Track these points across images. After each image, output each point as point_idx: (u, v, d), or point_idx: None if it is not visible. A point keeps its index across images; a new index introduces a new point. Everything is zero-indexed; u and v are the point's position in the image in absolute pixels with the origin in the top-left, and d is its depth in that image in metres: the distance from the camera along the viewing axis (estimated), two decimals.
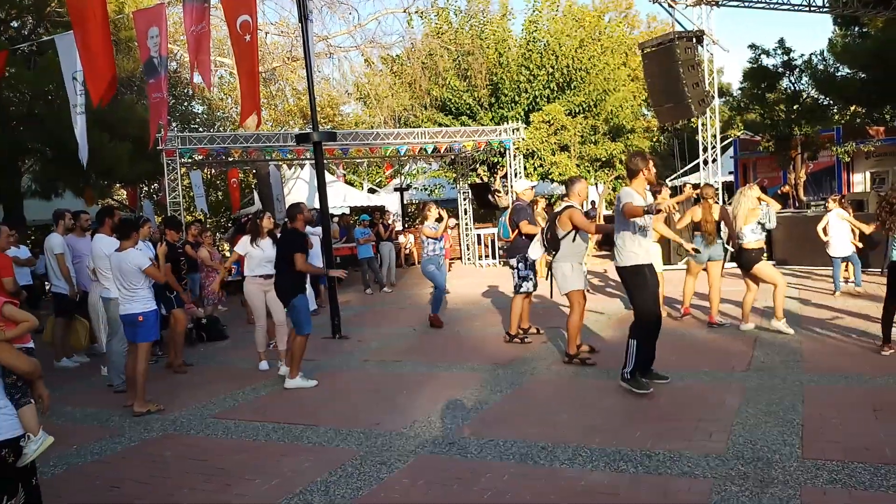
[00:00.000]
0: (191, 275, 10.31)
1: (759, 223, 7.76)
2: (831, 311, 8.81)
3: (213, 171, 23.42)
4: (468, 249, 20.02)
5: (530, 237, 7.71)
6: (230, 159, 15.55)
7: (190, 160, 14.94)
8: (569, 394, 6.05)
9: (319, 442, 5.14)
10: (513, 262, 8.19)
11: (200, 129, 25.64)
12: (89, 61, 8.87)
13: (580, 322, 6.96)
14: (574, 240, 6.81)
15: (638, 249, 5.81)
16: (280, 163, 17.99)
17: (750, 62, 22.35)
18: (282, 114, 26.19)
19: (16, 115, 15.19)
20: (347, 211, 23.08)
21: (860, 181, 23.59)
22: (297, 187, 21.89)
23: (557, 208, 7.25)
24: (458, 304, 11.89)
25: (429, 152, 16.86)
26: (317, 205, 10.03)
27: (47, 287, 10.31)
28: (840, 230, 10.23)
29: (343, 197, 22.97)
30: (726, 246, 8.42)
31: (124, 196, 24.94)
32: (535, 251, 7.30)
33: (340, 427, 5.41)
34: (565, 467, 4.31)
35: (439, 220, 9.87)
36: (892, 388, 5.47)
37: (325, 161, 11.34)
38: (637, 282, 5.84)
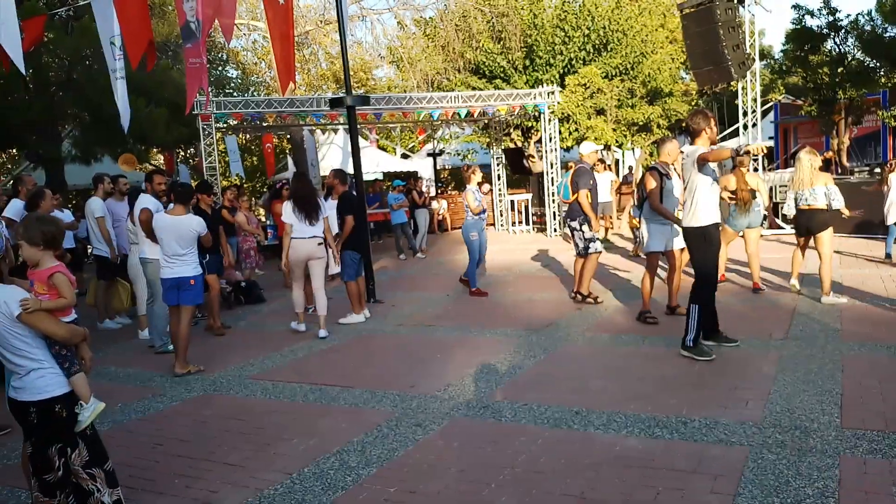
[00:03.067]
0: (228, 239, 10.46)
1: (829, 188, 7.48)
2: (873, 280, 8.62)
3: (248, 136, 23.55)
4: (501, 216, 19.95)
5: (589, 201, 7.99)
6: (264, 124, 15.62)
7: (225, 125, 15.03)
8: (604, 360, 6.04)
9: (355, 403, 5.22)
10: (574, 224, 8.17)
11: (235, 94, 25.76)
12: (127, 26, 8.91)
13: (651, 281, 7.15)
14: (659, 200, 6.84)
15: (711, 207, 5.70)
16: (314, 128, 18.02)
17: (793, 23, 21.63)
18: (315, 78, 26.17)
19: (55, 80, 15.40)
20: (380, 177, 23.10)
21: None
22: (331, 153, 21.94)
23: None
24: (492, 270, 11.88)
25: (462, 117, 16.72)
26: (350, 170, 10.06)
27: (89, 250, 10.54)
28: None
29: (376, 163, 22.98)
30: (764, 213, 8.26)
31: (161, 161, 25.27)
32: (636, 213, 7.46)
33: (375, 389, 5.49)
34: (599, 432, 4.33)
35: (481, 184, 9.76)
36: None
37: (358, 126, 11.32)
38: (704, 243, 5.74)
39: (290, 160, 19.80)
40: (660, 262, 7.56)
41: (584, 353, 6.31)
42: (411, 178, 18.97)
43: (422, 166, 25.67)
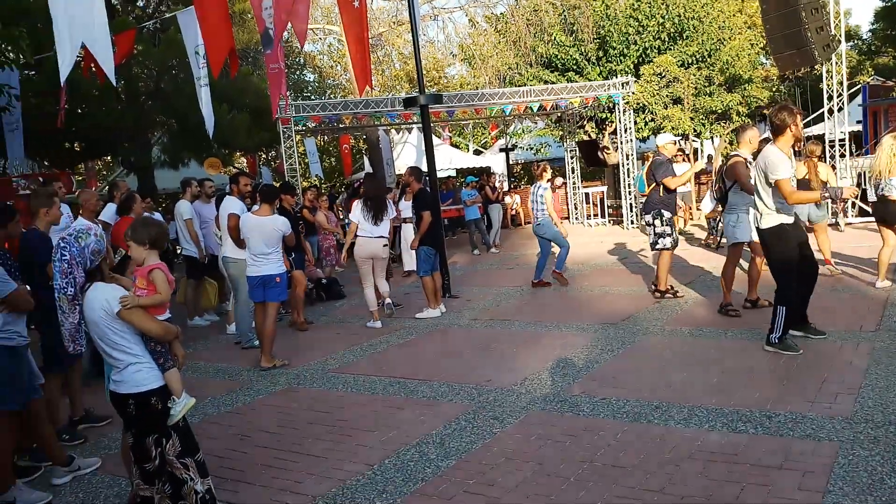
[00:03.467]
0: (309, 238, 10.78)
1: None
2: None
3: (326, 137, 24.10)
4: (576, 209, 19.74)
5: (669, 192, 7.82)
6: (341, 125, 15.95)
7: (304, 128, 15.43)
8: (683, 354, 5.93)
9: (433, 396, 5.31)
10: (648, 217, 8.04)
11: (312, 98, 26.39)
12: (209, 35, 9.29)
13: (733, 273, 6.99)
14: (740, 190, 6.69)
15: (781, 206, 5.47)
16: (388, 127, 18.29)
17: (883, 1, 20.54)
18: (389, 79, 26.56)
19: (144, 90, 16.19)
20: (454, 173, 23.22)
21: None
22: (406, 151, 22.22)
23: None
24: (568, 263, 11.78)
25: (534, 111, 16.62)
26: (425, 168, 10.18)
27: (178, 251, 11.05)
28: None
29: (449, 160, 23.12)
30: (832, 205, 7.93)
31: (244, 164, 26.16)
32: (706, 204, 7.28)
33: (453, 383, 5.57)
34: (680, 427, 4.27)
35: (552, 180, 9.84)
36: None
37: (431, 124, 11.41)
38: (780, 244, 5.52)
39: (366, 160, 20.18)
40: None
41: (663, 346, 6.21)
42: (484, 173, 18.98)
43: (494, 162, 25.64)
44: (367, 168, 18.71)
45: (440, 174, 20.69)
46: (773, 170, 5.33)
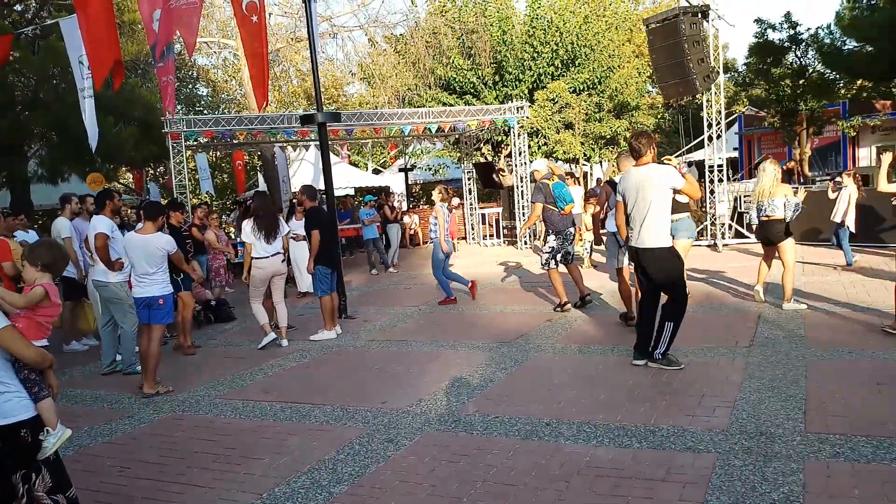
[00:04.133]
0: (197, 257, 10.37)
1: (788, 200, 7.68)
2: (835, 287, 8.80)
3: (219, 153, 23.42)
4: (473, 229, 20.03)
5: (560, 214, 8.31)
6: (235, 141, 15.54)
7: (195, 143, 14.94)
8: (574, 370, 6.09)
9: (327, 420, 5.20)
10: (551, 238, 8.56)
11: (205, 112, 25.61)
12: (92, 45, 8.86)
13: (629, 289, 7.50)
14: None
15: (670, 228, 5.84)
16: (285, 144, 17.98)
17: (756, 37, 22.13)
18: (286, 95, 26.15)
19: (21, 99, 15.21)
20: (352, 192, 23.08)
21: (865, 156, 23.42)
22: (303, 169, 21.90)
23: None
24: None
25: (433, 132, 16.80)
26: (322, 186, 10.06)
27: None
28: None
29: (348, 178, 22.98)
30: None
31: (130, 179, 24.99)
32: (611, 225, 7.71)
33: (347, 406, 5.48)
34: (570, 443, 4.36)
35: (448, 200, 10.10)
36: (895, 363, 5.50)
37: (329, 142, 11.30)
38: (674, 261, 5.81)
39: (260, 177, 19.72)
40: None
41: (555, 364, 6.36)
42: (383, 193, 18.97)
43: (393, 181, 25.70)
44: (262, 185, 18.29)
45: (338, 193, 20.50)
46: (668, 175, 5.69)
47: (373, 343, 7.84)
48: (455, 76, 19.50)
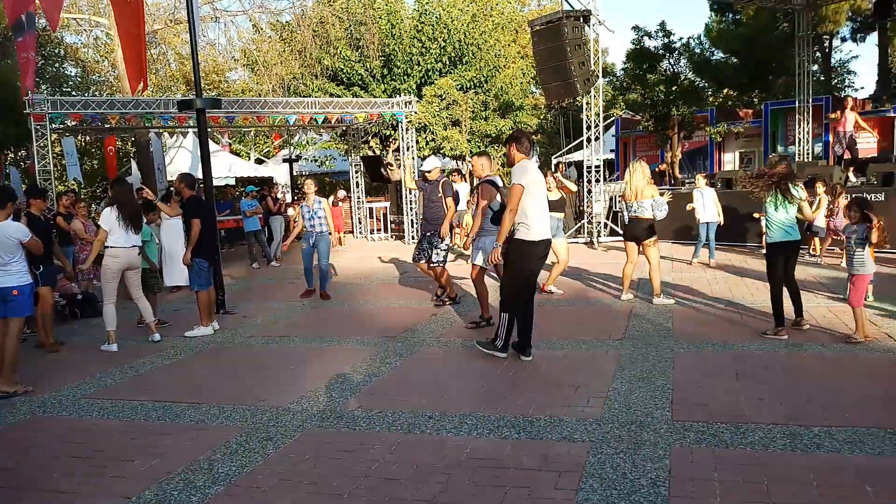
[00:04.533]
0: (63, 248, 9.69)
1: (656, 201, 8.12)
2: (700, 283, 9.39)
3: (88, 137, 22.00)
4: (360, 223, 19.89)
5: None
6: (107, 126, 14.65)
7: (62, 126, 13.96)
8: (457, 364, 6.17)
9: (202, 420, 5.00)
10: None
11: (74, 93, 23.96)
12: None
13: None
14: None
15: (535, 226, 5.79)
16: (161, 131, 17.14)
17: (633, 43, 23.23)
18: (163, 79, 24.90)
19: None
20: (233, 182, 22.34)
21: (730, 160, 25.15)
22: (180, 157, 20.97)
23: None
24: (349, 277, 11.83)
25: (319, 123, 16.53)
26: (200, 175, 9.66)
27: None
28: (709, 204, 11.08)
29: (228, 167, 22.20)
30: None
31: None
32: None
33: (224, 404, 5.29)
34: (451, 435, 4.41)
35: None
36: (753, 355, 5.92)
37: (209, 129, 10.87)
38: (526, 256, 5.85)
39: (134, 164, 18.69)
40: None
41: (439, 357, 6.42)
42: (266, 184, 18.47)
43: (277, 172, 25.09)
44: (136, 173, 17.35)
45: (218, 182, 19.79)
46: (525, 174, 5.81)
47: (253, 339, 7.62)
48: (343, 67, 19.27)
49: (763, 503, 3.33)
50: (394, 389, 5.47)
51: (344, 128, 19.06)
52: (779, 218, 6.42)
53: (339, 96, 18.45)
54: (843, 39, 34.81)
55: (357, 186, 19.66)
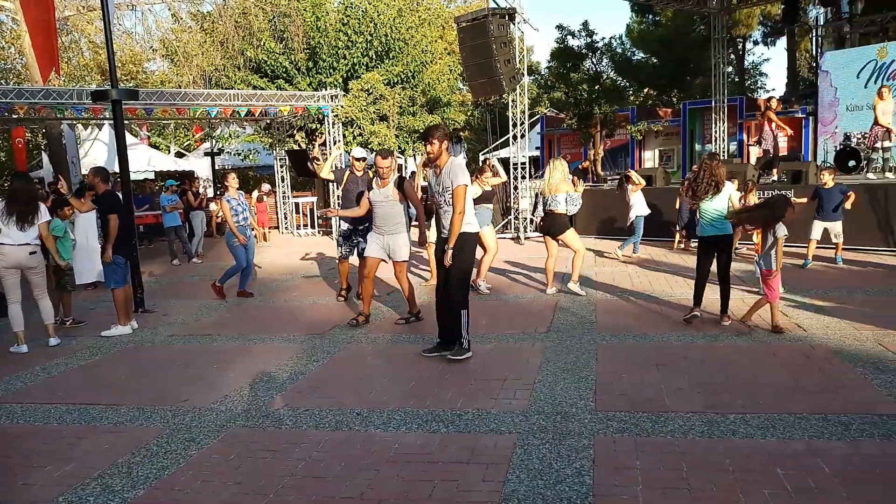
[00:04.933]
0: None
1: (570, 195, 8.35)
2: (622, 277, 9.66)
3: None
4: (286, 218, 19.56)
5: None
6: (14, 116, 13.90)
7: None
8: (385, 360, 6.15)
9: (120, 422, 4.82)
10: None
11: None
12: None
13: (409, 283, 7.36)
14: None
15: (471, 218, 5.89)
16: (74, 122, 16.41)
17: (557, 42, 23.65)
18: (76, 68, 23.82)
19: None
20: (152, 176, 21.60)
21: (650, 158, 25.94)
22: (95, 149, 20.10)
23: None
24: (275, 274, 11.62)
25: (242, 116, 16.16)
26: (117, 168, 9.29)
27: None
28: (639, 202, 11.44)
29: (147, 160, 21.43)
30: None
31: None
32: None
33: (144, 406, 5.12)
34: (380, 431, 4.40)
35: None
36: (672, 346, 6.13)
37: (126, 121, 10.48)
38: (470, 249, 5.90)
39: (45, 157, 17.82)
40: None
41: (367, 353, 6.38)
42: (187, 178, 17.93)
43: (198, 166, 24.40)
44: (47, 165, 16.55)
45: (137, 176, 19.11)
46: (462, 175, 5.81)
47: (174, 338, 7.39)
48: (266, 59, 18.88)
49: (682, 489, 3.46)
50: (321, 387, 5.40)
51: (268, 121, 18.70)
52: (709, 213, 6.75)
53: (262, 89, 18.07)
54: (756, 43, 36.51)
55: (282, 181, 19.32)
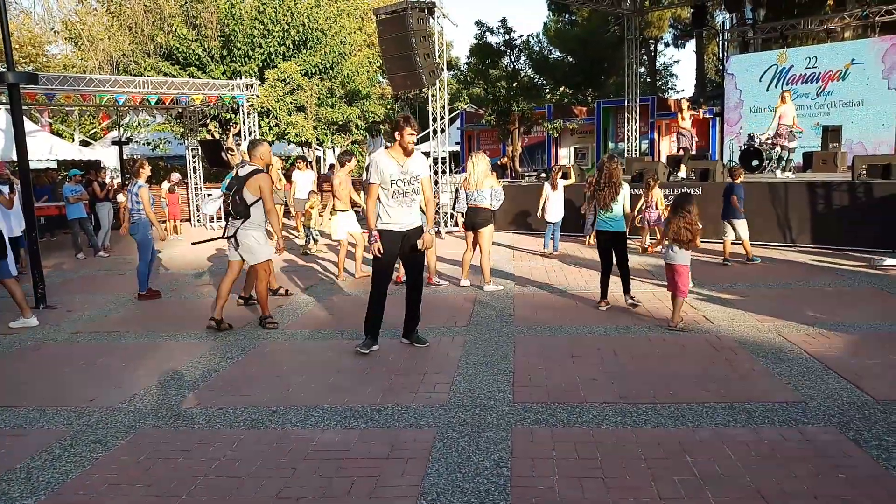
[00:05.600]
0: None
1: (494, 190, 8.41)
2: (538, 271, 9.84)
3: None
4: (198, 211, 18.95)
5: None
6: None
7: None
8: (302, 356, 6.05)
9: (19, 424, 4.56)
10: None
11: None
12: None
13: (265, 289, 7.02)
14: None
15: (383, 215, 5.74)
16: None
17: (476, 38, 23.82)
18: None
19: None
20: (54, 165, 20.51)
21: (565, 155, 26.52)
22: None
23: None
24: (186, 268, 11.25)
25: (152, 104, 15.54)
26: (14, 157, 8.76)
27: None
28: (556, 199, 11.58)
29: (49, 148, 20.31)
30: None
31: None
32: (211, 206, 7.04)
33: (46, 407, 4.85)
34: (297, 428, 4.32)
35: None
36: (587, 338, 6.29)
37: (26, 107, 9.89)
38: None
39: None
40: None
41: (284, 349, 6.26)
42: (92, 168, 17.11)
43: (105, 155, 23.32)
44: None
45: (37, 165, 18.11)
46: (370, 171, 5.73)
47: (78, 336, 7.04)
48: (178, 46, 18.23)
49: (597, 477, 3.55)
50: (236, 384, 5.26)
51: (180, 109, 18.07)
52: (606, 212, 7.27)
53: (174, 76, 17.44)
54: (667, 45, 37.91)
55: (195, 172, 18.71)
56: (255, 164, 6.76)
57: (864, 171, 11.07)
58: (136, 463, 3.92)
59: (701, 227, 6.74)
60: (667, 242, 6.65)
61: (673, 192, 11.79)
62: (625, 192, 7.25)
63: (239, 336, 6.69)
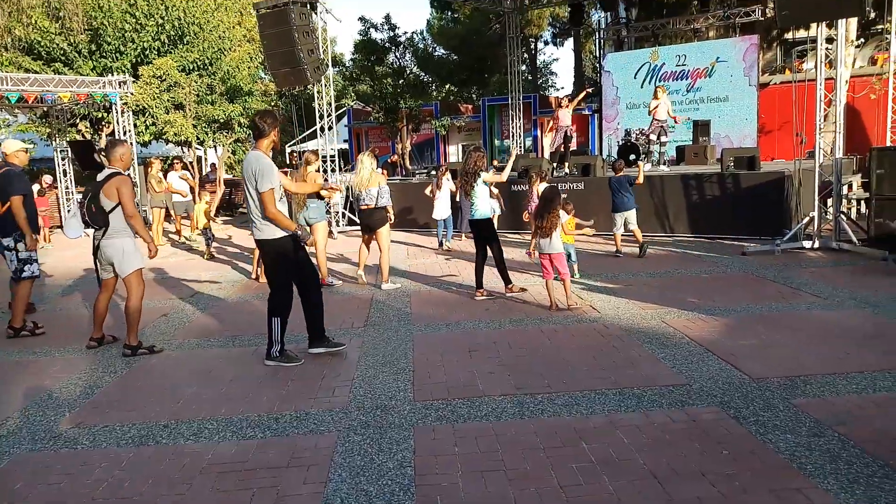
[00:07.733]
0: None
1: (381, 188, 8.39)
2: (434, 267, 9.91)
3: None
4: (70, 214, 17.78)
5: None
6: None
7: None
8: (193, 367, 5.79)
9: None
10: (7, 241, 6.87)
11: None
12: None
13: (140, 305, 6.19)
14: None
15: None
16: None
17: (360, 35, 23.64)
18: None
19: None
20: None
21: (454, 152, 26.84)
22: None
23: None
24: (58, 278, 10.54)
25: (13, 102, 14.42)
26: None
27: None
28: (443, 197, 11.66)
29: None
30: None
31: None
32: (74, 226, 6.32)
33: None
34: (191, 443, 4.14)
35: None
36: (483, 332, 6.38)
37: None
38: (278, 256, 5.49)
39: None
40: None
41: (173, 361, 5.98)
42: None
43: None
44: None
45: None
46: (262, 180, 5.27)
47: None
48: (40, 39, 17.01)
49: (499, 470, 3.61)
50: (121, 400, 4.97)
51: (45, 108, 16.87)
52: (471, 200, 7.74)
53: (36, 72, 16.27)
54: (546, 43, 39.02)
55: (65, 175, 17.55)
56: (115, 166, 6.04)
57: (732, 163, 11.83)
58: (12, 492, 3.63)
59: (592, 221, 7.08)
60: (539, 234, 7.02)
61: (560, 186, 12.16)
62: (482, 177, 7.60)
63: (121, 348, 6.32)
